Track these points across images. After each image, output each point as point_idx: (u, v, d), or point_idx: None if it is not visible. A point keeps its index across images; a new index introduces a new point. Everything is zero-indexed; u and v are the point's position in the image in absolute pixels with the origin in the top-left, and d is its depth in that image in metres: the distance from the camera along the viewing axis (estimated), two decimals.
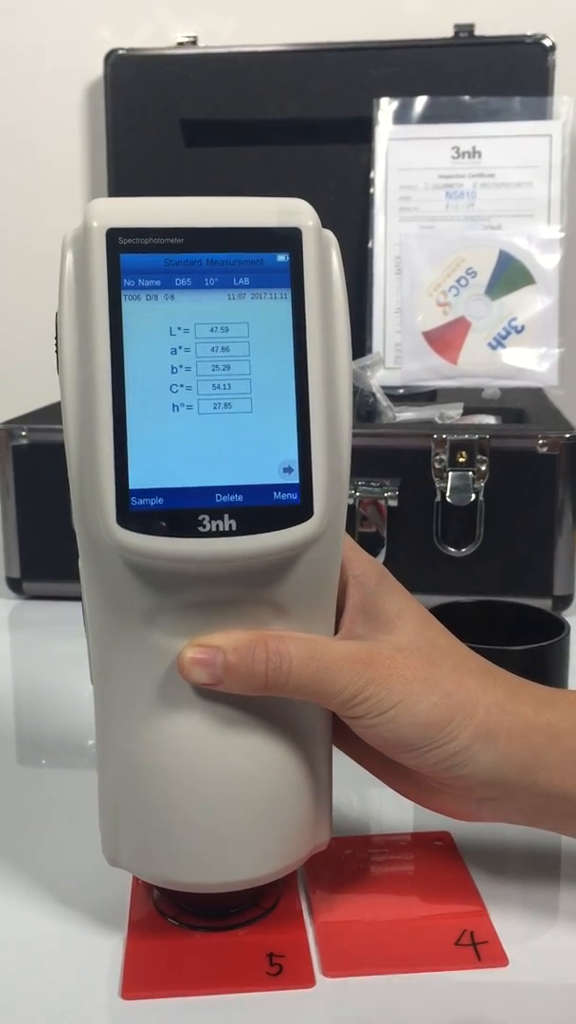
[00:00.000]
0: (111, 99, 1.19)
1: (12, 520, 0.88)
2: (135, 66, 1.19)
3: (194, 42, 1.20)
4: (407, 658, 0.41)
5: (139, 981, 0.41)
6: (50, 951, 0.44)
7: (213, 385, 0.37)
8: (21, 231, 1.27)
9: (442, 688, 0.41)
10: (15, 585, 0.89)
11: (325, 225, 0.40)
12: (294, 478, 0.38)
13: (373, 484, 0.83)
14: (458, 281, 1.13)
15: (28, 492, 0.87)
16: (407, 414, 0.95)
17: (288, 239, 0.38)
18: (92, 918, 0.46)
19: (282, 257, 0.38)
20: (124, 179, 1.20)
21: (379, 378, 0.96)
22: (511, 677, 0.44)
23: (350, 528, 0.59)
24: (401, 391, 1.10)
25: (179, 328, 0.37)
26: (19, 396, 1.00)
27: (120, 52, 1.19)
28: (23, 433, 0.86)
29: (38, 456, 0.86)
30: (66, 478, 0.39)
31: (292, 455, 0.38)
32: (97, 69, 1.21)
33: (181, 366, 0.37)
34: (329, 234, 0.40)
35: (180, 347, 0.37)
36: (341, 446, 0.40)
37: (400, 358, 1.14)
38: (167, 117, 1.19)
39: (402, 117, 1.14)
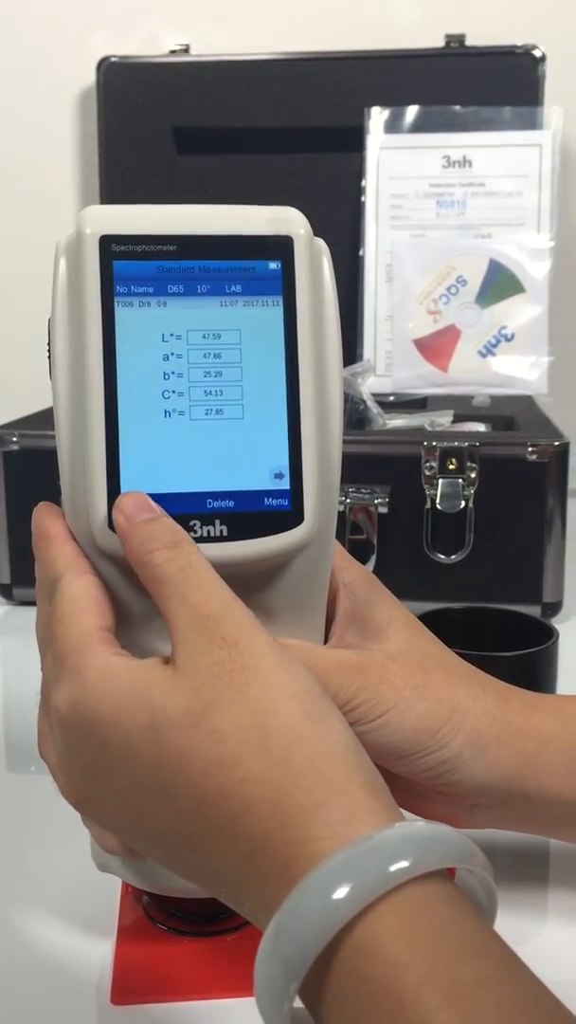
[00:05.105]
0: (103, 106, 1.20)
1: (2, 525, 0.88)
2: (127, 74, 1.19)
3: (186, 50, 1.20)
4: (398, 666, 0.41)
5: (128, 987, 0.41)
6: (40, 957, 0.44)
7: (205, 391, 0.38)
8: (12, 237, 1.27)
9: (433, 695, 0.41)
10: (5, 591, 0.89)
11: (316, 233, 0.40)
12: (285, 484, 0.38)
13: (363, 491, 0.83)
14: (448, 289, 1.14)
15: (18, 497, 0.87)
16: (397, 421, 0.96)
17: (280, 247, 0.39)
18: (82, 923, 0.46)
19: (274, 265, 0.39)
20: (116, 186, 1.20)
21: (370, 385, 0.96)
22: (500, 684, 0.44)
23: (340, 535, 0.59)
24: (391, 398, 1.10)
25: (171, 335, 0.38)
26: (10, 402, 1.00)
27: (112, 60, 1.19)
28: (14, 439, 0.86)
29: (29, 462, 0.86)
30: (57, 484, 0.39)
31: (283, 461, 0.38)
32: (89, 76, 1.21)
33: (173, 372, 0.37)
34: (320, 242, 0.40)
35: (172, 353, 0.37)
36: (332, 452, 0.40)
37: (391, 365, 1.14)
38: (159, 125, 1.19)
39: (393, 126, 1.15)
